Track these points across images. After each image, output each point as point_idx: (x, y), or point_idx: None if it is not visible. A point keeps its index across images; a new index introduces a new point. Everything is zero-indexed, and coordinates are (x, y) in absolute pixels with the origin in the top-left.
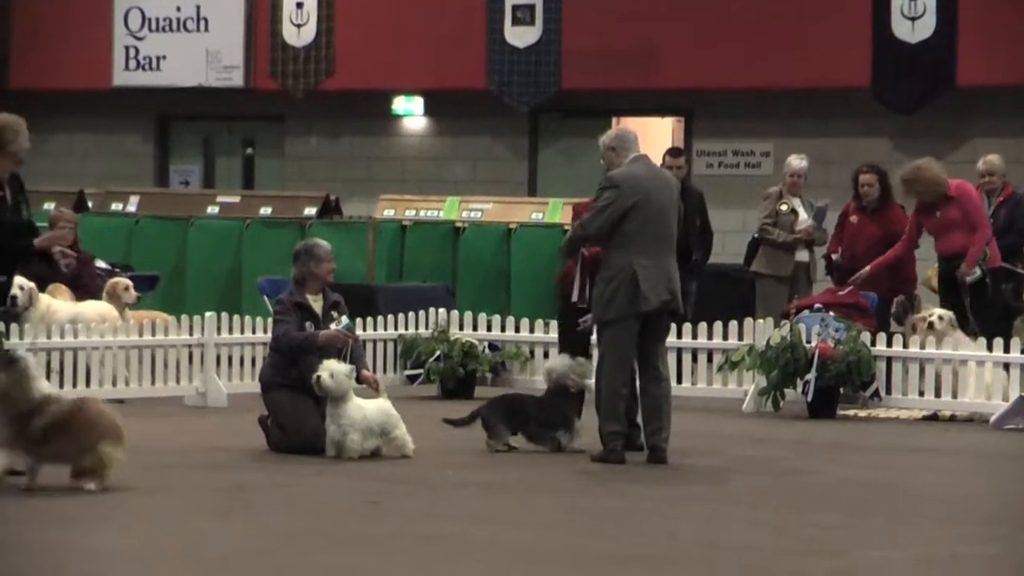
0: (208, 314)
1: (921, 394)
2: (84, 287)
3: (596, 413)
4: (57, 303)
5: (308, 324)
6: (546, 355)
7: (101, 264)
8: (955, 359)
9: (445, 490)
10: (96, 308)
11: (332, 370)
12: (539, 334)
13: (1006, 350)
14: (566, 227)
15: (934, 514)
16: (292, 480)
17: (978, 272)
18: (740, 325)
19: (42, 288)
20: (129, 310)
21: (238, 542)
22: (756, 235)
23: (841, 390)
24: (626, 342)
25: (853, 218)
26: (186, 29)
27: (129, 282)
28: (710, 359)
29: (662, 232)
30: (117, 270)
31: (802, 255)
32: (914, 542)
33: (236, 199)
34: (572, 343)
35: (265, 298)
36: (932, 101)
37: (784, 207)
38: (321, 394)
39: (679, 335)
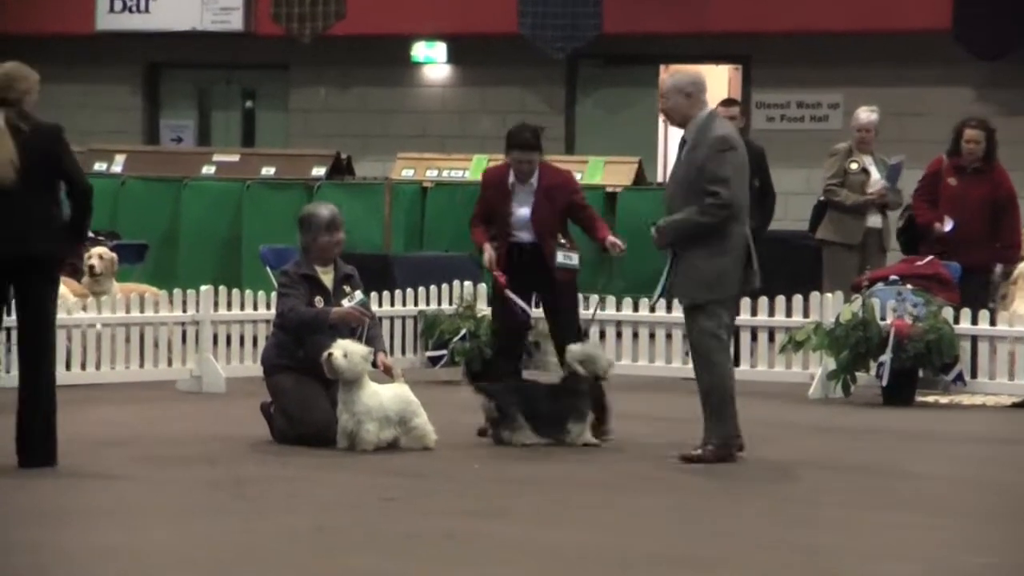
0: (204, 288)
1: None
2: None
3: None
4: None
5: (317, 299)
6: (585, 333)
7: None
8: None
9: (470, 485)
10: None
11: (346, 349)
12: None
13: None
14: (609, 188)
15: None
16: (299, 474)
17: None
18: (805, 300)
19: None
20: (116, 282)
21: (238, 543)
22: (822, 197)
23: (920, 373)
24: (730, 327)
25: (951, 180)
26: None
27: (103, 251)
28: (772, 338)
29: (747, 200)
30: (101, 238)
31: (874, 220)
32: (1001, 546)
33: (235, 158)
34: (508, 337)
35: (268, 269)
36: (1019, 46)
37: (854, 165)
38: (331, 376)
39: (736, 311)
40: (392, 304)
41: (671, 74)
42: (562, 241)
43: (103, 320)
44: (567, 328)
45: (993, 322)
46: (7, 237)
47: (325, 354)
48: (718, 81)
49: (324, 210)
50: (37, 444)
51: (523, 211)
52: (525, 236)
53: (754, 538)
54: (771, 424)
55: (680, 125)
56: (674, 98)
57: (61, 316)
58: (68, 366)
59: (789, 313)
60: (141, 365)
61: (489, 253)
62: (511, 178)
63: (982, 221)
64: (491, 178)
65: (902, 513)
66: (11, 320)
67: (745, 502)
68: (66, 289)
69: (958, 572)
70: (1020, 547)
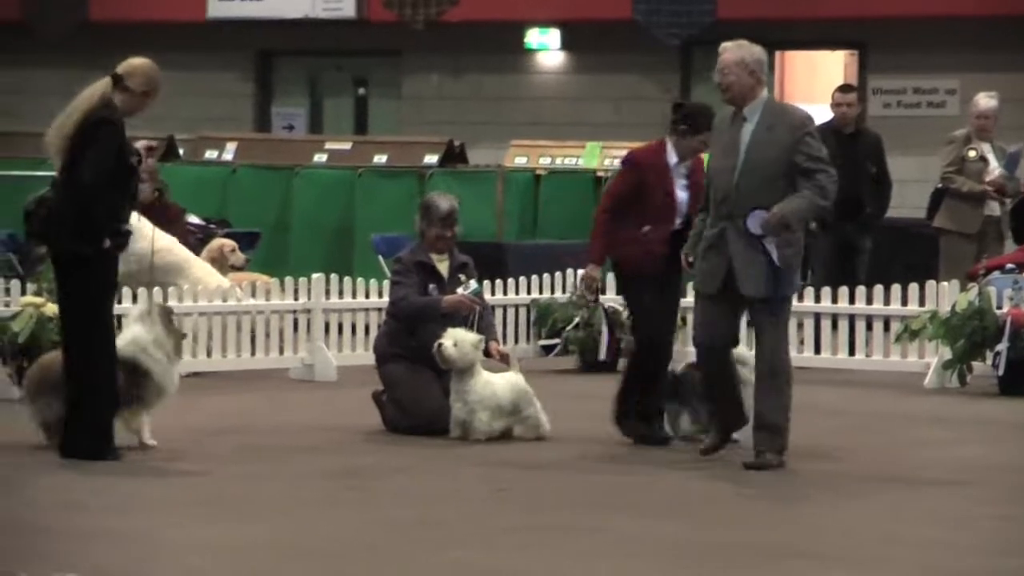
0: (315, 276)
1: None
2: None
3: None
4: None
5: (431, 287)
6: None
7: (194, 219)
8: None
9: (585, 476)
10: None
11: (457, 338)
12: (691, 299)
13: None
14: None
15: None
16: (410, 464)
17: None
18: (921, 288)
19: None
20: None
21: (349, 534)
22: (939, 185)
23: None
24: None
25: None
26: None
27: (234, 243)
28: (887, 327)
29: None
30: (212, 226)
31: (992, 208)
32: None
33: (346, 145)
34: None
35: (380, 257)
36: None
37: (972, 153)
38: (443, 366)
39: (851, 300)
40: (505, 292)
41: (736, 46)
42: None
43: (216, 309)
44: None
45: None
46: (42, 232)
47: (436, 344)
48: (834, 67)
49: (444, 203)
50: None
51: (682, 195)
52: (678, 222)
53: (868, 531)
54: (886, 414)
55: (736, 103)
56: (738, 73)
57: (185, 304)
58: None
59: (905, 302)
60: (253, 354)
61: (595, 278)
62: (674, 158)
63: None
64: (648, 157)
65: (1018, 506)
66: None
67: (858, 495)
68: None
69: None
70: None
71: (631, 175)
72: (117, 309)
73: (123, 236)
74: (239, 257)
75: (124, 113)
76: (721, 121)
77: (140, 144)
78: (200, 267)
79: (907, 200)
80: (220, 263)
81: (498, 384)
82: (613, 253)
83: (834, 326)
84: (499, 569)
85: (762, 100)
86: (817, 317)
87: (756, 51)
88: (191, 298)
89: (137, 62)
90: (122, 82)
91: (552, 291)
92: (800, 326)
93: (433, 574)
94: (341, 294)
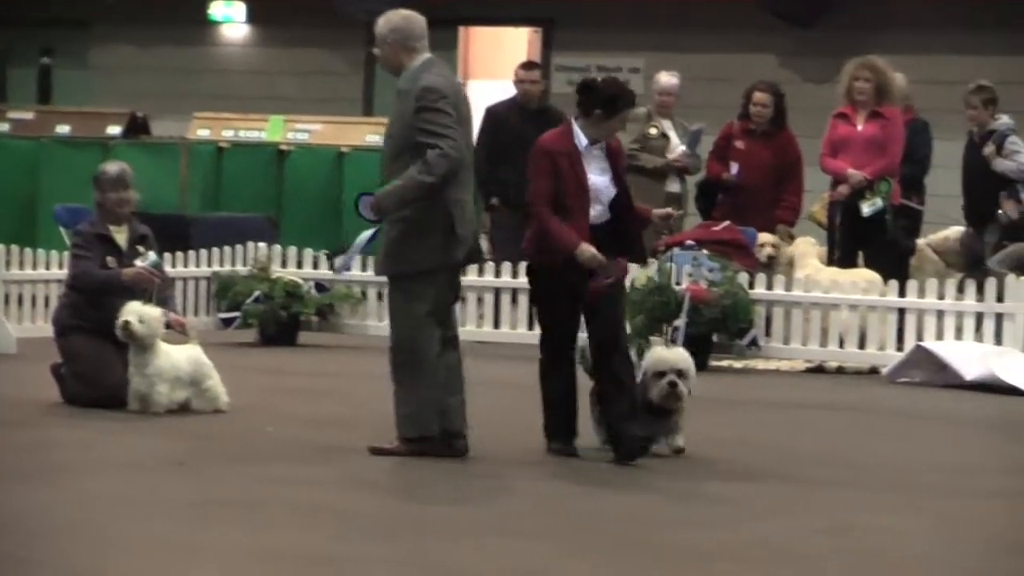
0: None
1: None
2: None
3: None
4: None
5: (110, 259)
6: (380, 296)
7: None
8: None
9: (264, 449)
10: None
11: (141, 314)
12: (371, 273)
13: (901, 294)
14: None
15: (826, 480)
16: (91, 437)
17: (879, 203)
18: None
19: None
20: None
21: (34, 509)
22: None
23: (715, 338)
24: (440, 304)
25: (739, 143)
26: None
27: None
28: None
29: (470, 160)
30: None
31: (674, 185)
32: (806, 511)
33: (30, 115)
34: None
35: (62, 229)
36: (827, 12)
37: (653, 130)
38: (128, 341)
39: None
40: (187, 265)
41: (381, 20)
42: None
43: None
44: (617, 324)
45: (788, 287)
46: None
47: (120, 321)
48: (518, 44)
49: (113, 167)
50: None
51: (599, 179)
52: (598, 209)
53: (566, 507)
54: None
55: (393, 74)
56: (381, 48)
57: None
58: None
59: None
60: None
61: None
62: (583, 140)
63: (768, 184)
64: (557, 143)
65: (702, 481)
66: None
67: (538, 473)
68: None
69: (763, 539)
70: (822, 513)
71: (545, 162)
72: None
73: None
74: None
75: None
76: None
77: None
78: None
79: None
80: None
81: (177, 356)
82: (527, 252)
83: (514, 301)
84: (179, 541)
85: (410, 70)
86: (497, 292)
87: (393, 19)
88: None
89: None
90: None
91: (233, 264)
92: (480, 300)
93: (120, 548)
94: (22, 265)
